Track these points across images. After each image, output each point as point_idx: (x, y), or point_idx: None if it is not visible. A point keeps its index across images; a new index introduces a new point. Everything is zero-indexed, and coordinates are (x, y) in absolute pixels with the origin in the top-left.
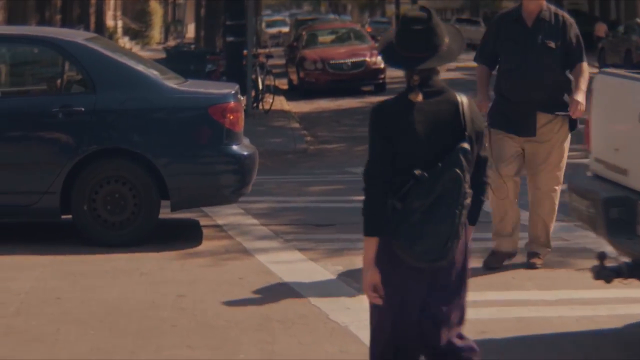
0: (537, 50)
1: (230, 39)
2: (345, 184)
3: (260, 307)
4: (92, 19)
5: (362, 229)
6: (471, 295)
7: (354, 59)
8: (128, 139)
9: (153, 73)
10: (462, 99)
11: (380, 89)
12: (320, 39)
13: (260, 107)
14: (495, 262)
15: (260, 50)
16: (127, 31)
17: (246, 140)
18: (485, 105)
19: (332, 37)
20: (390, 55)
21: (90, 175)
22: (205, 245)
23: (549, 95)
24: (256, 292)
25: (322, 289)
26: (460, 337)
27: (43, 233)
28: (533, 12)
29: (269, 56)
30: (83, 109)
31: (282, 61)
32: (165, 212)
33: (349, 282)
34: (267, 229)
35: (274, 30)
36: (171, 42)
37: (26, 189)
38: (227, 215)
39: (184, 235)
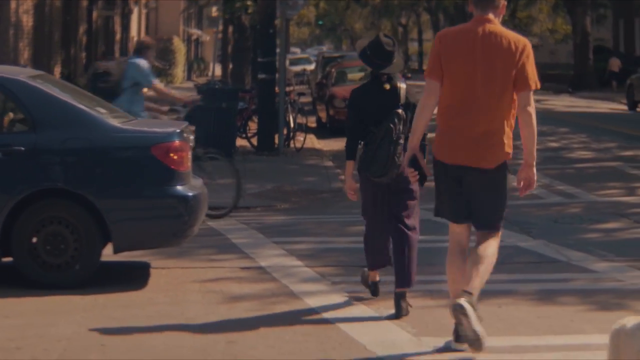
0: None
1: (262, 76)
2: None
3: (315, 354)
4: (117, 56)
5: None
6: (531, 340)
7: None
8: (69, 179)
9: (98, 111)
10: (402, 85)
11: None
12: (350, 76)
13: (292, 145)
14: None
15: (289, 88)
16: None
17: (197, 181)
18: None
19: (361, 74)
20: (367, 59)
21: (30, 217)
22: (251, 288)
23: None
24: (308, 337)
25: (377, 334)
26: (408, 218)
27: None
28: None
29: (301, 94)
30: (23, 149)
31: (309, 99)
32: (212, 253)
33: (403, 326)
34: (312, 271)
35: (298, 68)
36: (199, 79)
37: None
38: (269, 256)
39: (226, 278)
